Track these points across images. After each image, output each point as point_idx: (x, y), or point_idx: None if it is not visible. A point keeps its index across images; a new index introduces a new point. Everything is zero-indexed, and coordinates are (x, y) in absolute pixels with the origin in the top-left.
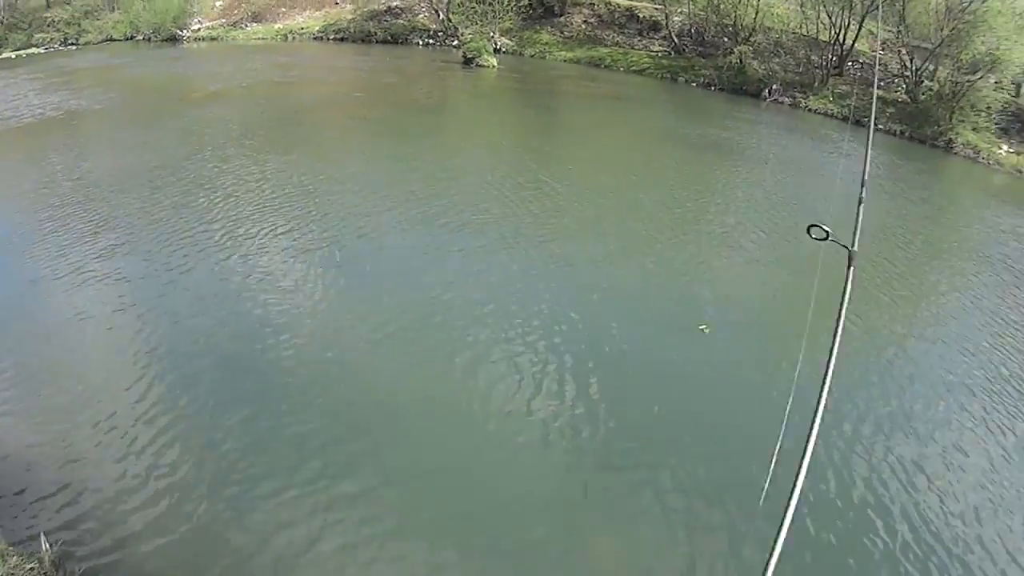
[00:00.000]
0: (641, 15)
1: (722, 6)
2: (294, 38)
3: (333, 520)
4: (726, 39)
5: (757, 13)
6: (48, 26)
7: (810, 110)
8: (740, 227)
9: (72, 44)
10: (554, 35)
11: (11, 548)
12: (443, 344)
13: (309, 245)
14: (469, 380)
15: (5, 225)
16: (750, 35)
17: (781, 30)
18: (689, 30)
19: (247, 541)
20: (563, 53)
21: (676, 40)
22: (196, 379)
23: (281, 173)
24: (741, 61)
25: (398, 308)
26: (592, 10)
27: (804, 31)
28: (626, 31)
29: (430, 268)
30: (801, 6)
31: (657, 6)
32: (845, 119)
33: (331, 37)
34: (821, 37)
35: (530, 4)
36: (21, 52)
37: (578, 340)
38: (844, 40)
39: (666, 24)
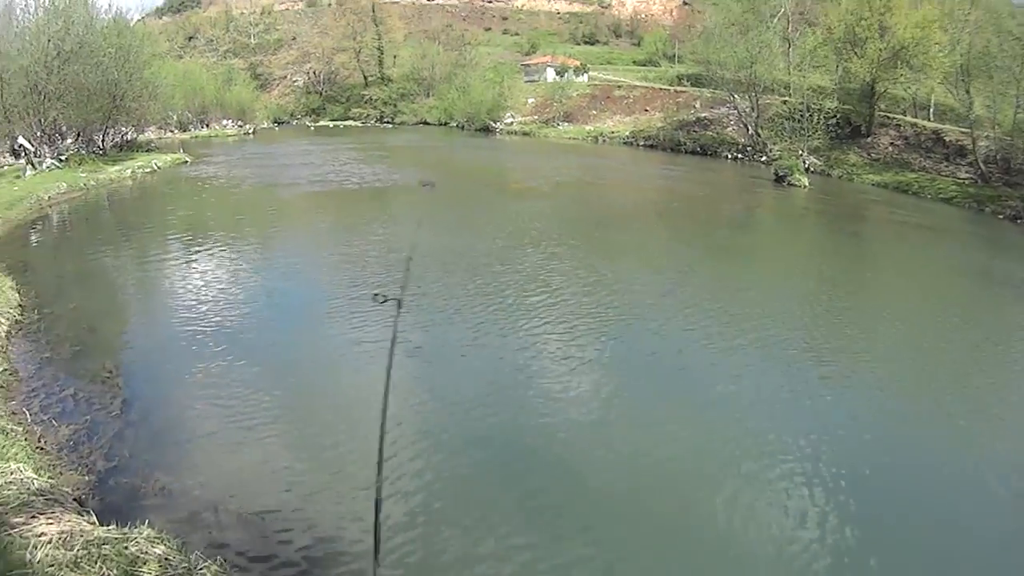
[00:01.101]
0: (947, 139)
1: None
2: (604, 140)
3: None
4: None
5: None
6: (365, 103)
7: None
8: None
9: (387, 122)
10: (861, 156)
11: None
12: (751, 493)
13: (628, 358)
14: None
15: (305, 281)
16: None
17: None
18: (995, 156)
19: None
20: (870, 176)
21: (983, 167)
22: (480, 467)
23: (608, 280)
24: None
25: (703, 442)
26: (898, 131)
27: None
28: (932, 155)
29: (752, 403)
30: None
31: (964, 130)
32: None
33: (640, 143)
34: None
35: (838, 123)
36: (338, 123)
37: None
38: None
39: (972, 149)
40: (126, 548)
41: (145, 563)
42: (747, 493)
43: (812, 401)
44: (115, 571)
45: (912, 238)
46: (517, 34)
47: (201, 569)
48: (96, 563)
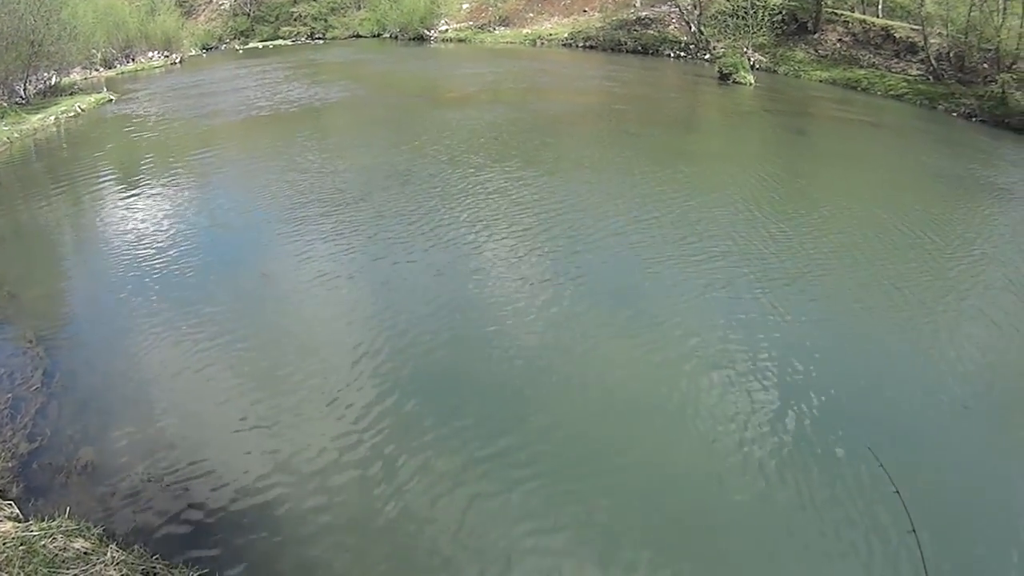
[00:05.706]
0: (897, 35)
1: (984, 31)
2: (542, 43)
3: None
4: (986, 65)
5: (1021, 39)
6: (295, 20)
7: None
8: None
9: (319, 38)
10: (808, 53)
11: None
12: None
13: (567, 272)
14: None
15: (247, 214)
16: (1013, 63)
17: None
18: (948, 54)
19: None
20: (818, 72)
21: (934, 64)
22: (412, 381)
23: (546, 191)
24: (1003, 91)
25: (646, 354)
26: (847, 28)
27: None
28: (882, 52)
29: (697, 313)
30: None
31: (915, 27)
32: None
33: (580, 44)
34: None
35: (783, 20)
36: (268, 43)
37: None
38: None
39: (924, 47)
40: (44, 546)
41: (64, 561)
42: (693, 405)
43: (757, 308)
44: (35, 573)
45: (864, 136)
46: None
47: (118, 563)
48: (15, 567)
